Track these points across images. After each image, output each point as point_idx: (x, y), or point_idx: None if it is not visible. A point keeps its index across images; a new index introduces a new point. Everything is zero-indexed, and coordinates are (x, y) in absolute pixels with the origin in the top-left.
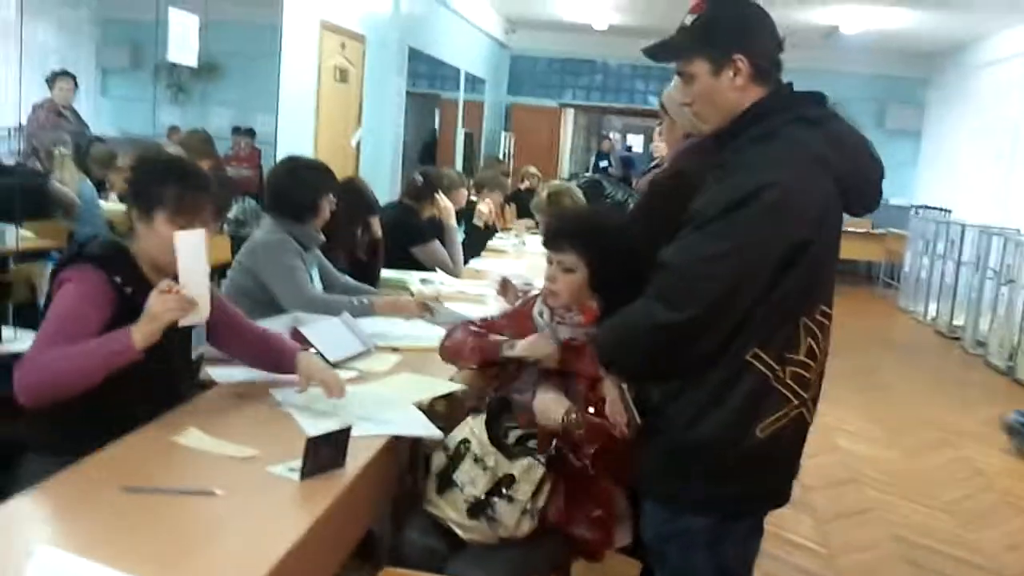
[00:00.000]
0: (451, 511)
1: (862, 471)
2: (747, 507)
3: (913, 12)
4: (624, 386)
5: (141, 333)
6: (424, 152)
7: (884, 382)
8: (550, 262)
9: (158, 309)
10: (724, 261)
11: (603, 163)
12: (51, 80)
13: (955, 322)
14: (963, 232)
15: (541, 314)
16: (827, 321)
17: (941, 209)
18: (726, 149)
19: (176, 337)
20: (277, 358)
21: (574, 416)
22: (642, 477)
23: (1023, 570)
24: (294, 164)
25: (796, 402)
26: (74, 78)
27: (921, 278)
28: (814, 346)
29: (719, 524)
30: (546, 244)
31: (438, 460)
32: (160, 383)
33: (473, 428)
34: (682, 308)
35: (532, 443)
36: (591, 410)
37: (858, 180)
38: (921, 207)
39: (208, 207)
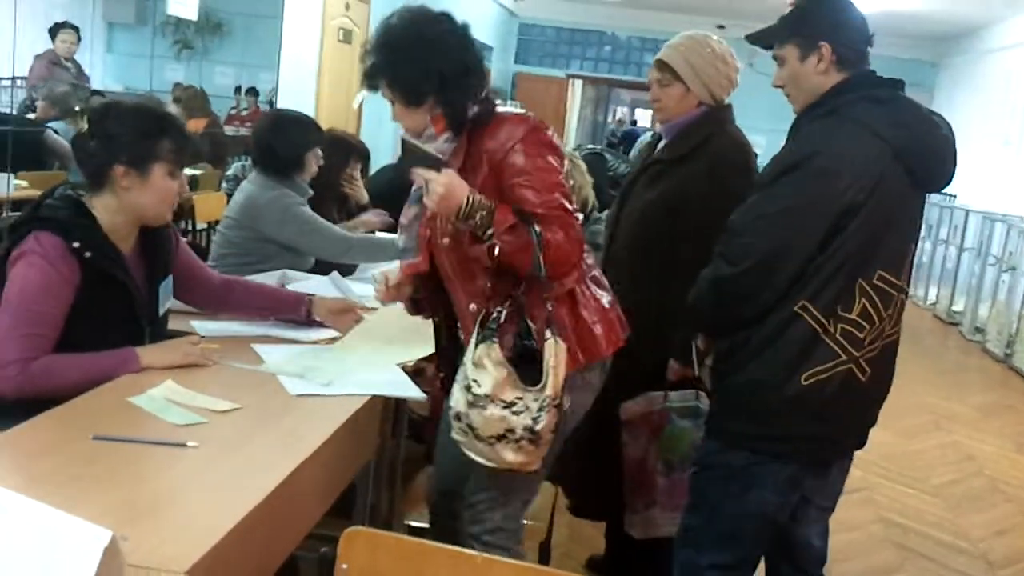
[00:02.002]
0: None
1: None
2: (785, 448)
3: None
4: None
5: (149, 361)
6: None
7: None
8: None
9: (179, 357)
10: (776, 220)
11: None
12: (53, 31)
13: (954, 308)
14: (966, 217)
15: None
16: (890, 288)
17: (946, 194)
18: (797, 124)
19: (142, 295)
20: (278, 304)
21: (479, 197)
22: (708, 416)
23: (1008, 555)
24: (278, 118)
25: (844, 357)
26: (76, 30)
27: (923, 262)
28: (869, 308)
29: (759, 464)
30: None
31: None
32: (127, 341)
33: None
34: (738, 262)
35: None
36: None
37: (923, 157)
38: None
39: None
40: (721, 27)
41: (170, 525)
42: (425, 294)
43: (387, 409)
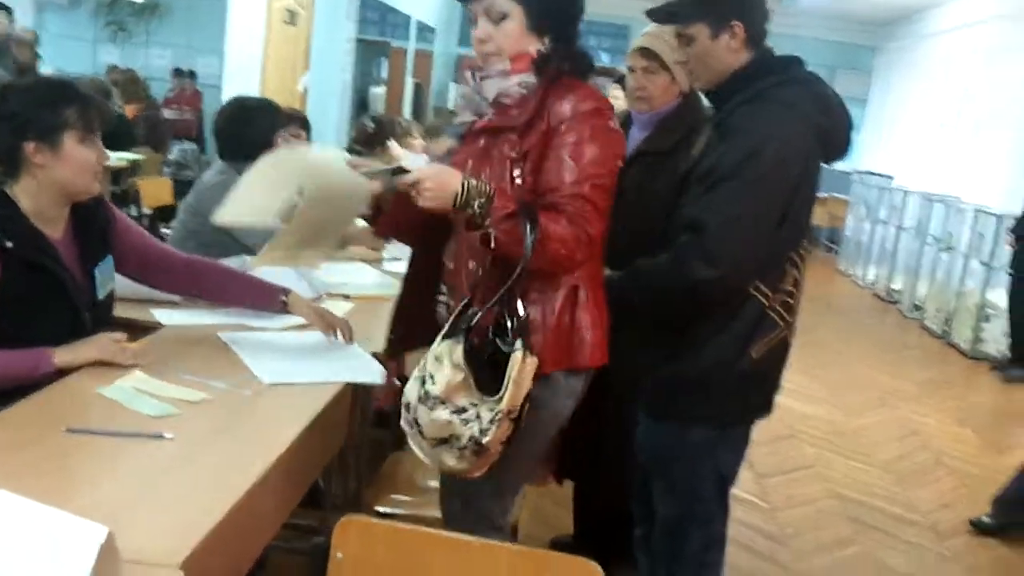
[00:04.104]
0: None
1: (800, 428)
2: (742, 417)
3: None
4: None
5: (63, 359)
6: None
7: (823, 342)
8: (473, 21)
9: (95, 353)
10: (754, 220)
11: None
12: None
13: (893, 286)
14: (905, 198)
15: (462, 96)
16: (805, 254)
17: (883, 175)
18: (722, 110)
19: (75, 280)
20: (253, 294)
21: (475, 183)
22: (652, 399)
23: (955, 525)
24: (241, 105)
25: (782, 325)
26: (9, 11)
27: (861, 242)
28: (796, 276)
29: (718, 434)
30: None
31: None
32: (65, 328)
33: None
34: (719, 265)
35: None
36: (516, 172)
37: (837, 134)
38: (863, 172)
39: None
40: None
41: (157, 518)
42: (404, 216)
43: (354, 397)
